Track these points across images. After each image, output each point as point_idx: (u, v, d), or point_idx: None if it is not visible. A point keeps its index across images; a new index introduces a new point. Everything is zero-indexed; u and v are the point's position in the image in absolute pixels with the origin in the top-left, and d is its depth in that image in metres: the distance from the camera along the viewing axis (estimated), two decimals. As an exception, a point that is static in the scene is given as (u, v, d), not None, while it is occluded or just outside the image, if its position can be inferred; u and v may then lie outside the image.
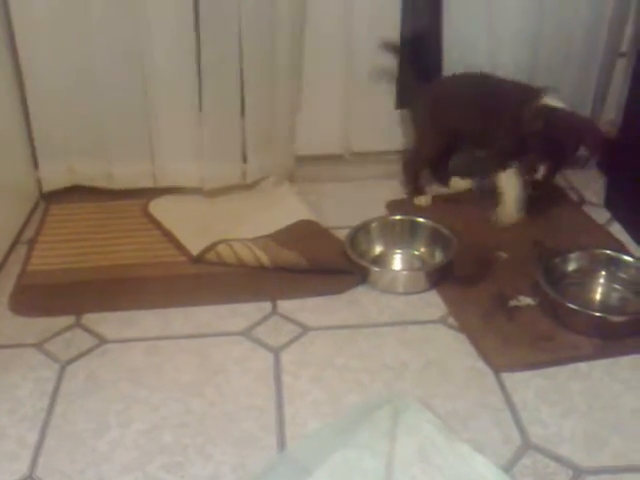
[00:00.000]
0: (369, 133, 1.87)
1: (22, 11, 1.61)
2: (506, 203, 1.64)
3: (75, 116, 1.72)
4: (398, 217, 1.63)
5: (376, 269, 1.50)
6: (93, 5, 1.60)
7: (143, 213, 1.74)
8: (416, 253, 1.59)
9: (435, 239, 1.56)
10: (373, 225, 1.61)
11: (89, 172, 1.79)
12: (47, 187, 1.81)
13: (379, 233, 1.60)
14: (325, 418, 1.16)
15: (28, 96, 1.71)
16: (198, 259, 1.55)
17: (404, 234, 1.60)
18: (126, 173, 1.78)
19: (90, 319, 1.40)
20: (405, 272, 1.56)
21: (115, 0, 1.59)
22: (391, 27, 1.74)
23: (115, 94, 1.70)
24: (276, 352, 1.31)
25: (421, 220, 1.60)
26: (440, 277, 1.48)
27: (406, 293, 1.47)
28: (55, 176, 1.80)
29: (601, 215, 1.71)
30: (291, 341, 1.34)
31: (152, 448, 1.12)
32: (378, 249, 1.59)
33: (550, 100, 1.52)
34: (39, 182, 1.81)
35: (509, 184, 1.61)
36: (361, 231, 1.58)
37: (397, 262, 1.58)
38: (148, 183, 1.80)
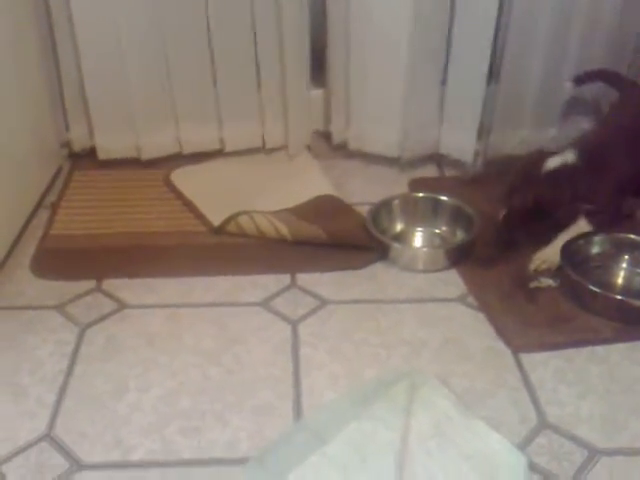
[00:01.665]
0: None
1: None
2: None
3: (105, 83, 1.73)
4: (421, 195, 1.62)
5: (397, 246, 1.50)
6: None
7: (165, 182, 1.74)
8: (437, 231, 1.58)
9: (457, 218, 1.56)
10: (395, 202, 1.60)
11: (117, 142, 1.80)
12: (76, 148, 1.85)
13: (401, 210, 1.59)
14: (342, 391, 1.17)
15: (61, 65, 1.73)
16: (219, 230, 1.55)
17: (426, 212, 1.59)
18: (151, 141, 1.79)
19: (111, 284, 1.41)
20: (425, 249, 1.55)
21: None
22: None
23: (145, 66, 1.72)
24: (294, 324, 1.32)
25: (444, 198, 1.58)
26: (460, 256, 1.47)
27: (426, 271, 1.46)
28: (82, 140, 1.83)
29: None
30: (309, 314, 1.34)
31: (170, 412, 1.13)
32: (399, 226, 1.59)
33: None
34: (66, 145, 1.83)
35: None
36: (383, 208, 1.58)
37: (418, 240, 1.58)
38: (174, 149, 1.82)
